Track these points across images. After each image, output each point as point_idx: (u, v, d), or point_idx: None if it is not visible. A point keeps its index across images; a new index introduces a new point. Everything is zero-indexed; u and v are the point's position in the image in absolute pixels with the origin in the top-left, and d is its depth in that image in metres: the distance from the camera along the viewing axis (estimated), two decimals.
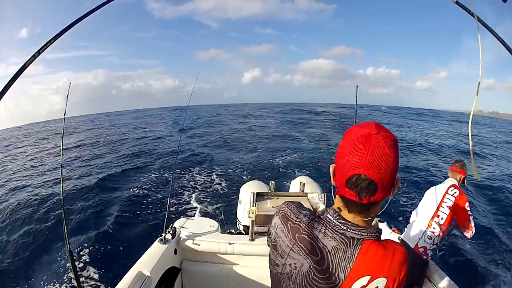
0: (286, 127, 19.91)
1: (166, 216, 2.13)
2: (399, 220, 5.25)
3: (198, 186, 7.27)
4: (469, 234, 2.42)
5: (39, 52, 1.00)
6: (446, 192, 2.52)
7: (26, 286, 3.90)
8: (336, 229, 0.72)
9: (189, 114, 32.41)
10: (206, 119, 28.04)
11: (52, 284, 3.90)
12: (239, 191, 2.86)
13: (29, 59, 1.00)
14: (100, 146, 14.45)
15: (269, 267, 0.83)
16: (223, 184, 7.36)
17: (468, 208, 2.42)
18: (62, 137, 2.59)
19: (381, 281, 0.71)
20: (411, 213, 2.84)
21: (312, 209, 2.09)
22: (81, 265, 4.18)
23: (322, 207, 2.13)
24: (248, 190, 2.74)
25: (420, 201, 2.72)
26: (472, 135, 1.60)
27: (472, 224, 2.40)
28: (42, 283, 3.92)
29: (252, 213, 2.08)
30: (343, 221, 0.72)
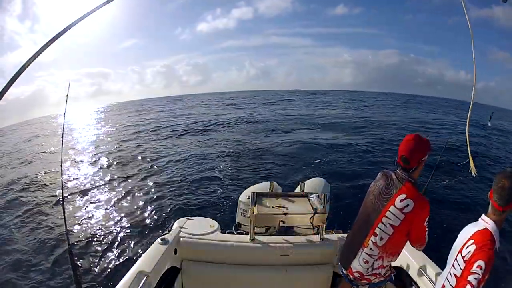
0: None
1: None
2: None
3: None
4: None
5: (38, 53, 1.00)
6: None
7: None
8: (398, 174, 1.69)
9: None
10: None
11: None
12: (239, 191, 2.87)
13: (28, 59, 1.00)
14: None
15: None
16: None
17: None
18: (62, 137, 2.59)
19: (410, 202, 1.55)
20: None
21: (312, 209, 2.10)
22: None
23: (321, 207, 2.13)
24: (248, 190, 2.74)
25: None
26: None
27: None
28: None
29: (252, 213, 2.09)
30: (399, 172, 1.69)
